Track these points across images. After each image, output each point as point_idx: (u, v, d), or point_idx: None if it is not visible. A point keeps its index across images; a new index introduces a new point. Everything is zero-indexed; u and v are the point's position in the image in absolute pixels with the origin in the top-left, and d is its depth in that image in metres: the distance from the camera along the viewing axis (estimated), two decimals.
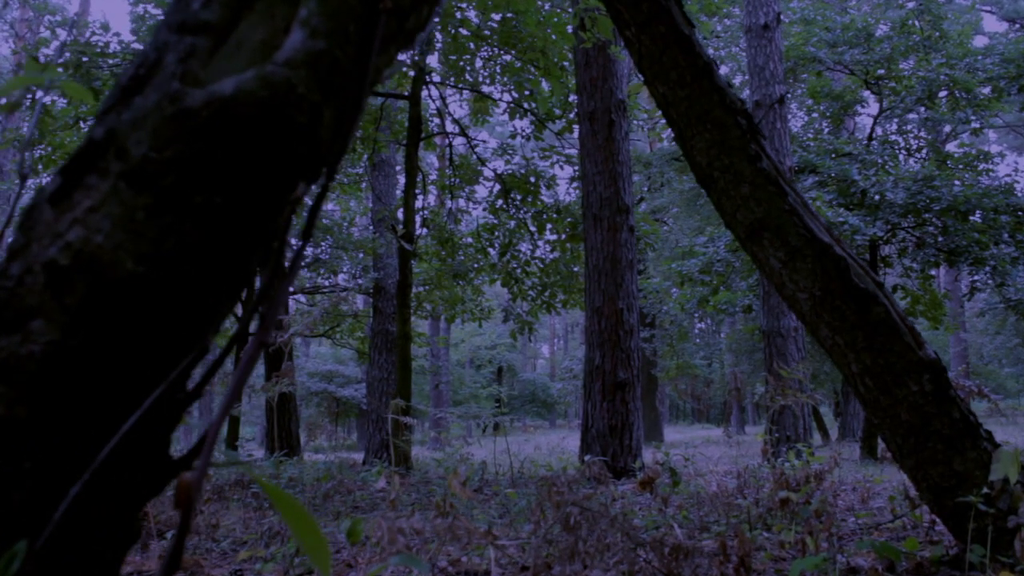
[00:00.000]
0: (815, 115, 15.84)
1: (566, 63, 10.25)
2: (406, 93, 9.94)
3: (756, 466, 4.91)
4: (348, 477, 6.34)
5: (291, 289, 16.92)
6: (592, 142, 8.01)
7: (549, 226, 11.77)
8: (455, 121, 11.79)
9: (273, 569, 2.64)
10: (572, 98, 10.60)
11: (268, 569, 2.62)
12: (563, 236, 11.50)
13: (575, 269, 11.67)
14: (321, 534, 0.78)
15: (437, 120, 12.20)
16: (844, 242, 2.40)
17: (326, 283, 17.91)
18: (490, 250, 12.48)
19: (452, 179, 11.98)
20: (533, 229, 11.68)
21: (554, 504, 1.98)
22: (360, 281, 16.08)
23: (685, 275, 16.56)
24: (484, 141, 12.04)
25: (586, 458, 3.99)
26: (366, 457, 13.69)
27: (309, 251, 17.26)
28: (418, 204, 13.62)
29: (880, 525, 3.28)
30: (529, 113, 10.89)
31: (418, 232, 12.97)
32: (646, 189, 24.70)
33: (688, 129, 2.55)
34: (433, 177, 13.23)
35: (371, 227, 15.76)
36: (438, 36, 10.07)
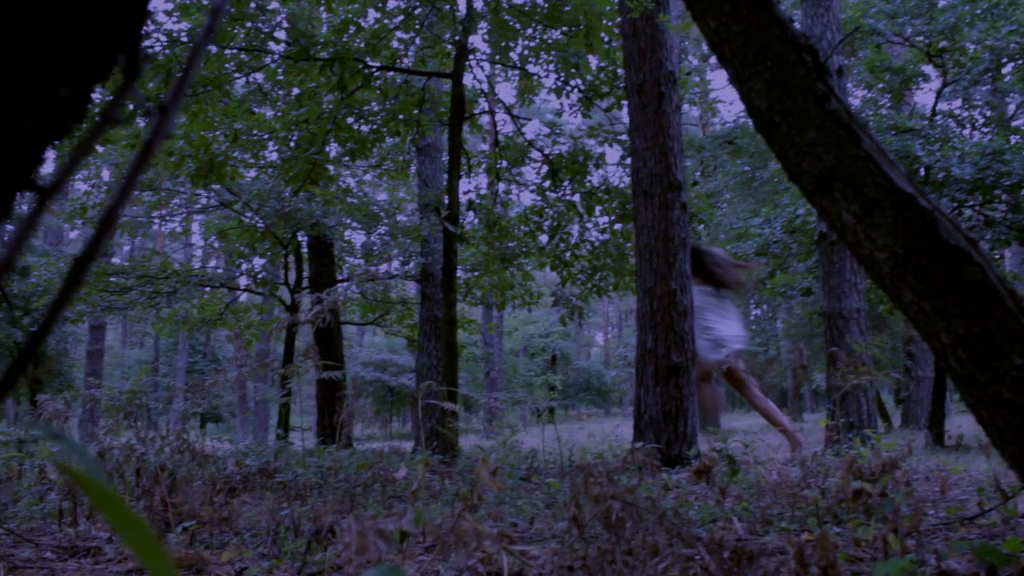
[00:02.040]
0: (873, 93, 15.24)
1: (611, 38, 9.91)
2: (448, 72, 9.66)
3: (819, 454, 4.56)
4: (392, 465, 6.12)
5: (340, 276, 16.82)
6: (641, 116, 7.66)
7: (599, 208, 11.44)
8: (499, 101, 11.50)
9: (286, 568, 2.39)
10: (620, 73, 10.24)
11: (278, 566, 2.37)
12: (612, 217, 11.16)
13: (627, 244, 11.31)
14: (156, 540, 0.59)
15: (483, 101, 11.91)
16: (928, 194, 2.07)
17: (380, 270, 17.78)
18: (539, 234, 12.18)
19: (498, 161, 11.69)
20: (582, 210, 11.35)
21: (591, 498, 1.68)
22: (410, 268, 15.90)
23: (741, 257, 16.09)
24: (529, 119, 11.75)
25: (633, 445, 3.70)
26: (416, 445, 13.54)
27: (360, 238, 17.15)
28: (464, 188, 13.38)
29: (965, 520, 2.93)
30: (576, 90, 10.56)
31: (465, 216, 12.72)
32: (699, 174, 24.21)
33: (744, 68, 2.23)
34: (479, 160, 12.94)
35: (418, 213, 15.58)
36: (480, 8, 9.78)
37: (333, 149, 12.63)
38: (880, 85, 14.29)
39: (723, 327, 8.44)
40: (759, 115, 2.25)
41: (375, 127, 10.75)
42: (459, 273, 15.36)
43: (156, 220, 18.34)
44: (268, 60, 9.78)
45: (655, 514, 1.68)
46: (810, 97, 2.14)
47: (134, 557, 2.58)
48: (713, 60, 29.22)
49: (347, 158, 11.39)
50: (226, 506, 3.71)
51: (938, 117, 13.08)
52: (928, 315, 1.93)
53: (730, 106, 68.31)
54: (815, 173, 2.10)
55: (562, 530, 1.79)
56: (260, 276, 16.65)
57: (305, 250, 16.31)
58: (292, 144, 10.69)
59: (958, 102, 14.22)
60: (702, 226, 15.92)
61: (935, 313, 1.91)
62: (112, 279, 14.50)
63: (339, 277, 16.83)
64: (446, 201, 9.24)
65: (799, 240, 14.99)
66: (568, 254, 11.84)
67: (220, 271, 17.50)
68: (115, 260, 23.14)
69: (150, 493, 3.58)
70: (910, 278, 1.95)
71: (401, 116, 10.57)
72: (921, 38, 12.73)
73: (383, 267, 17.80)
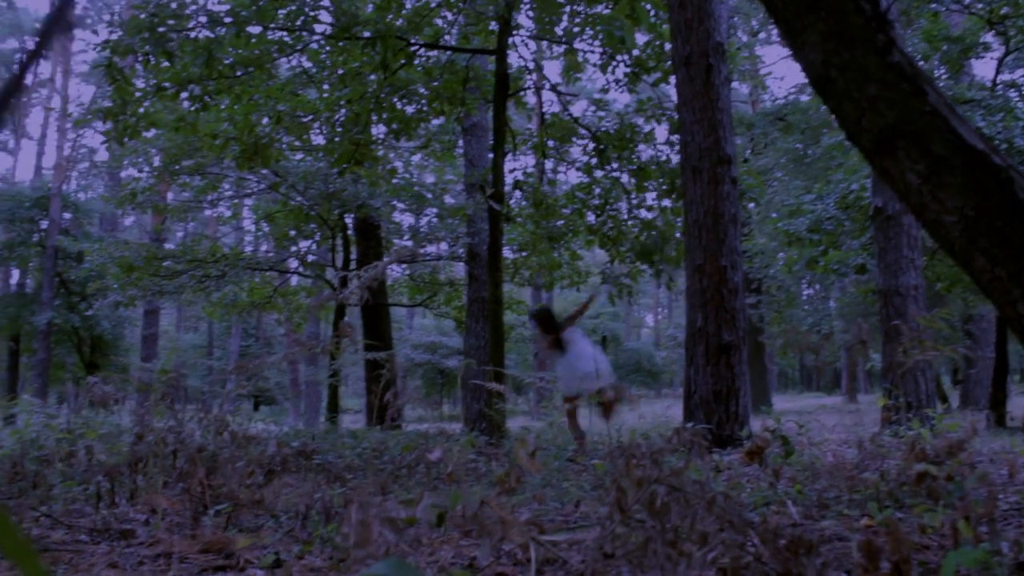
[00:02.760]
0: (930, 64, 14.76)
1: (657, 10, 9.69)
2: (492, 48, 9.52)
3: (876, 435, 4.36)
4: (437, 446, 6.02)
5: (388, 258, 16.81)
6: (689, 89, 7.45)
7: (647, 185, 11.24)
8: (544, 78, 11.32)
9: (316, 553, 2.31)
10: (667, 48, 10.01)
11: (309, 551, 2.28)
12: (659, 196, 10.95)
13: (677, 222, 11.10)
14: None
15: (529, 79, 11.74)
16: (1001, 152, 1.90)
17: (430, 252, 17.74)
18: (586, 212, 12.01)
19: (545, 138, 11.53)
20: (630, 187, 11.15)
21: (634, 481, 1.56)
22: (457, 248, 15.83)
23: (792, 235, 15.75)
24: (575, 95, 11.56)
25: (681, 425, 3.56)
26: (465, 427, 13.50)
27: (409, 220, 17.09)
28: (511, 167, 13.24)
29: None
30: (622, 65, 10.35)
31: (512, 196, 12.59)
32: (749, 152, 23.80)
33: (797, 20, 2.07)
34: (526, 138, 12.78)
35: (464, 193, 15.48)
36: None
37: (379, 131, 12.57)
38: (937, 56, 13.84)
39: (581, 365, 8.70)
40: (814, 70, 2.08)
41: (419, 107, 10.65)
42: (506, 253, 15.25)
43: (206, 205, 18.49)
44: (311, 40, 9.71)
45: (704, 498, 1.55)
46: (870, 49, 1.97)
47: (165, 541, 2.51)
48: (763, 35, 28.66)
49: (392, 139, 11.31)
50: (265, 488, 3.65)
51: (999, 87, 12.63)
52: (1003, 282, 1.76)
53: (780, 82, 67.18)
54: (876, 131, 1.93)
55: (604, 516, 1.68)
56: (308, 259, 16.71)
57: (352, 232, 16.32)
58: (337, 125, 10.64)
59: (1021, 71, 13.72)
60: (753, 204, 15.63)
61: (1011, 280, 1.74)
62: (164, 264, 14.63)
63: (386, 259, 16.82)
64: (491, 180, 9.11)
65: (853, 216, 14.63)
66: (615, 232, 11.65)
67: (272, 255, 17.57)
68: (168, 246, 23.41)
69: (189, 475, 3.53)
70: (982, 242, 1.78)
71: (445, 96, 10.45)
72: (981, 5, 12.28)
73: (431, 248, 17.73)
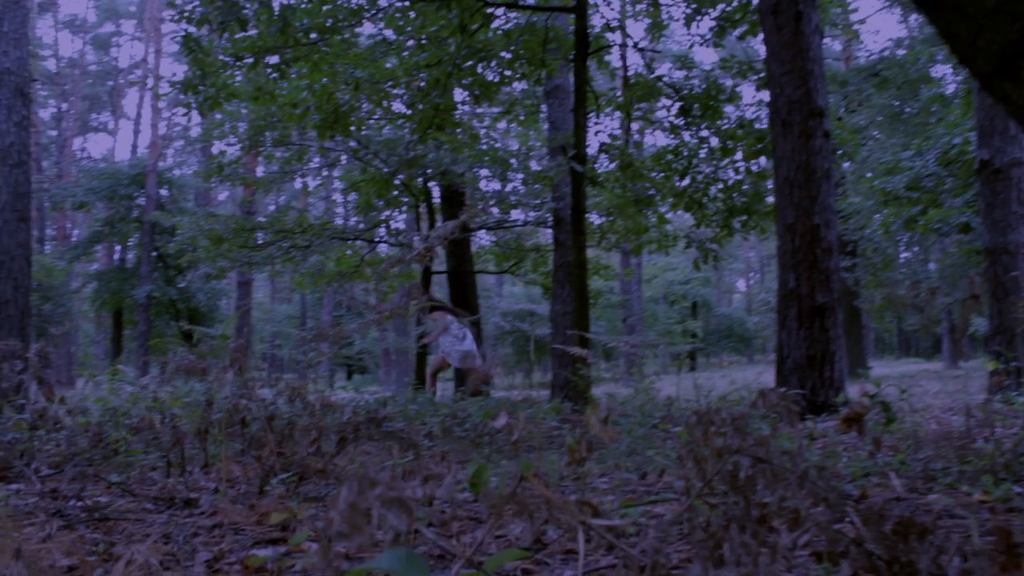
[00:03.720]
0: None
1: None
2: (571, 5, 9.24)
3: (986, 401, 4.04)
4: (503, 413, 5.88)
5: (474, 225, 16.75)
6: (777, 39, 7.07)
7: (734, 145, 10.83)
8: (628, 35, 10.99)
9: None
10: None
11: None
12: (745, 157, 10.55)
13: (768, 187, 10.69)
14: None
15: (612, 39, 11.42)
16: None
17: (516, 218, 17.61)
18: (673, 175, 11.67)
19: (630, 97, 11.20)
20: (716, 148, 10.77)
21: (714, 451, 1.37)
22: (542, 214, 15.64)
23: (889, 193, 15.13)
24: (659, 51, 11.19)
25: (768, 389, 3.33)
26: (553, 394, 13.38)
27: (494, 187, 16.97)
28: (596, 130, 12.95)
29: None
30: (707, 19, 9.96)
31: (598, 161, 12.32)
32: (843, 110, 22.94)
33: None
34: (609, 99, 12.45)
35: (548, 157, 15.26)
36: None
37: (460, 96, 12.42)
38: None
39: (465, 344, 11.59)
40: None
41: (499, 70, 10.45)
42: (593, 218, 15.01)
43: (296, 177, 18.66)
44: (385, 3, 9.59)
45: (795, 472, 1.35)
46: None
47: (224, 511, 2.42)
48: None
49: (474, 104, 11.16)
50: (338, 456, 3.56)
51: None
52: None
53: (875, 35, 64.71)
54: (994, 51, 1.68)
55: (680, 491, 1.49)
56: (393, 227, 16.74)
57: (438, 201, 16.26)
58: (416, 91, 10.53)
59: None
60: (847, 162, 15.00)
61: None
62: (253, 235, 14.81)
63: (472, 226, 16.74)
64: (574, 142, 8.89)
65: (955, 172, 13.95)
66: (701, 194, 11.30)
67: (362, 226, 17.66)
68: (259, 218, 23.80)
69: (260, 443, 3.46)
70: None
71: (525, 57, 10.22)
72: None
73: (517, 215, 17.57)
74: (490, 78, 10.48)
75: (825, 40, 15.70)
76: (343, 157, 15.95)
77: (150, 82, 32.95)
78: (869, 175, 18.33)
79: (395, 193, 15.47)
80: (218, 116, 14.55)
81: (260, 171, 21.10)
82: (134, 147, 43.61)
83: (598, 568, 1.55)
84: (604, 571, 1.52)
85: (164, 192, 31.03)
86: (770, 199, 10.89)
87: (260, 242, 14.66)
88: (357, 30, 11.58)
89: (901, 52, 20.20)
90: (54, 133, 49.14)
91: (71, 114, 47.84)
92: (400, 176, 13.92)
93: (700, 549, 1.10)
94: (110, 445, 4.14)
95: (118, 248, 35.46)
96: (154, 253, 28.63)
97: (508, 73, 10.66)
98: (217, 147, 19.61)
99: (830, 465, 2.91)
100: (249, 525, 2.26)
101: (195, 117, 33.32)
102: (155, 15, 34.58)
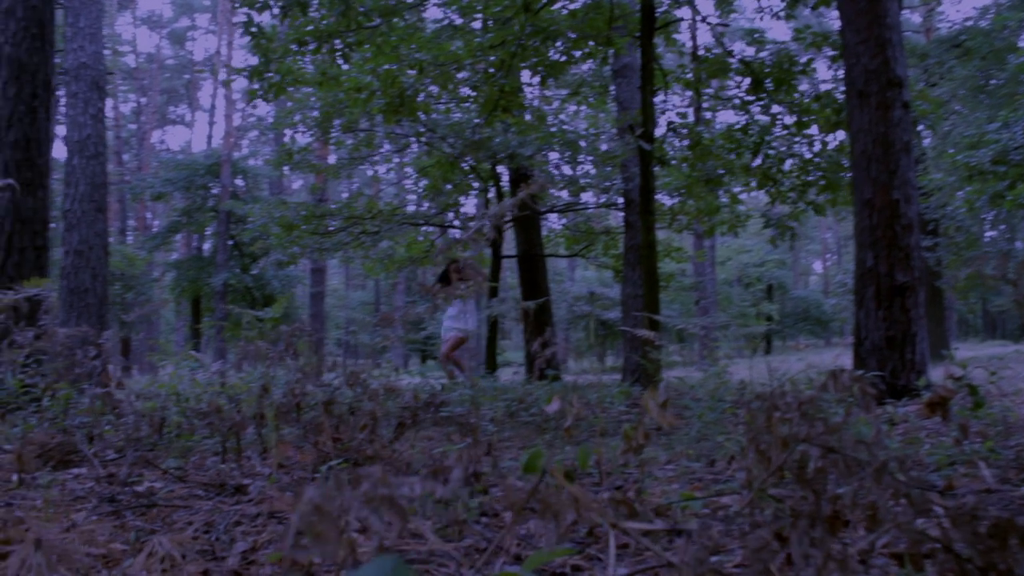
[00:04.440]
0: None
1: None
2: None
3: None
4: (556, 398, 5.74)
5: (541, 208, 16.61)
6: (852, 6, 6.77)
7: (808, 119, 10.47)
8: (696, 11, 10.70)
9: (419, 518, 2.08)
10: None
11: (415, 512, 2.06)
12: (824, 127, 10.18)
13: (845, 163, 10.32)
14: None
15: (680, 14, 11.15)
16: None
17: (588, 200, 17.43)
18: (744, 152, 11.35)
19: (699, 74, 10.90)
20: (789, 122, 10.43)
21: (778, 440, 1.22)
22: (615, 197, 15.43)
23: (974, 168, 14.55)
24: (727, 24, 10.87)
25: (840, 370, 3.13)
26: (623, 378, 13.21)
27: (564, 170, 16.81)
28: (663, 108, 12.68)
29: None
30: None
31: (666, 140, 12.07)
32: (922, 84, 22.16)
33: None
34: (677, 76, 12.16)
35: (617, 139, 15.02)
36: None
37: (527, 78, 12.27)
38: None
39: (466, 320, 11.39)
40: None
41: (565, 48, 10.27)
42: (663, 199, 14.75)
43: (365, 164, 18.74)
44: None
45: (872, 464, 1.20)
46: None
47: (272, 499, 2.34)
48: None
49: (540, 85, 11.00)
50: (397, 442, 3.48)
51: None
52: None
53: (958, 4, 62.52)
54: None
55: (741, 484, 1.35)
56: (463, 212, 16.69)
57: (506, 185, 16.16)
58: (480, 73, 10.41)
59: None
60: (928, 138, 14.45)
61: None
62: (323, 221, 14.90)
63: (541, 209, 16.61)
64: (641, 121, 8.68)
65: None
66: (775, 170, 10.96)
67: (434, 211, 17.66)
68: (332, 205, 24.01)
69: (318, 429, 3.40)
70: None
71: (591, 35, 10.02)
72: None
73: (587, 198, 17.38)
74: (555, 58, 10.30)
75: (904, 12, 15.17)
76: (413, 142, 15.94)
77: (222, 73, 33.48)
78: (951, 150, 17.66)
79: (464, 177, 15.41)
80: (289, 104, 14.66)
81: (332, 159, 21.24)
82: (209, 138, 44.49)
83: (652, 567, 1.42)
84: (658, 571, 1.39)
85: (239, 182, 31.58)
86: (848, 176, 10.52)
87: (331, 228, 14.75)
88: (423, 14, 11.52)
89: (985, 22, 19.39)
90: (134, 127, 50.39)
91: (149, 108, 48.97)
92: (468, 160, 13.85)
93: (754, 557, 0.96)
94: (171, 430, 4.14)
95: (196, 237, 36.24)
96: (230, 242, 29.16)
97: (574, 53, 10.47)
98: (289, 135, 19.80)
99: (912, 453, 2.72)
100: (292, 513, 2.18)
101: (269, 106, 33.80)
102: (227, 8, 35.12)
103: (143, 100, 50.51)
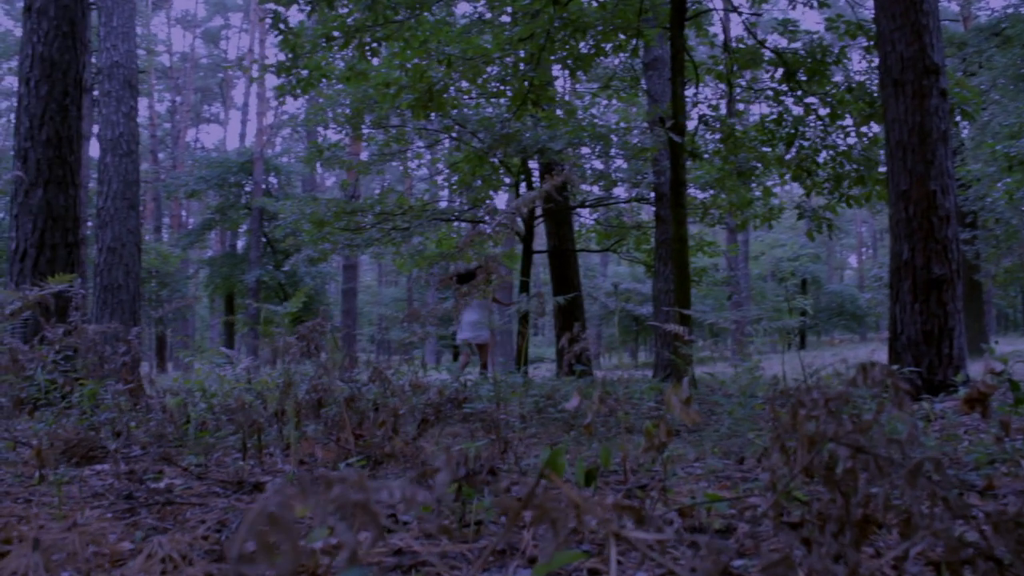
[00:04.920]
0: None
1: None
2: None
3: None
4: (575, 394, 5.66)
5: (572, 203, 16.50)
6: None
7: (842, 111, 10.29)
8: (729, 1, 10.55)
9: (438, 513, 2.02)
10: None
11: (428, 512, 2.00)
12: (857, 119, 9.99)
13: (881, 158, 10.13)
14: None
15: (711, 4, 10.99)
16: None
17: (618, 194, 17.31)
18: (778, 144, 11.18)
19: (731, 65, 10.74)
20: (823, 113, 10.25)
21: (804, 439, 1.15)
22: (642, 190, 15.29)
23: (1014, 158, 14.27)
24: (760, 14, 10.69)
25: (871, 364, 3.04)
26: (655, 373, 13.10)
27: (595, 165, 16.72)
28: (695, 100, 12.53)
29: None
30: None
31: (697, 133, 11.93)
32: (960, 73, 21.78)
33: None
34: (709, 67, 12.00)
35: (647, 133, 14.89)
36: None
37: (558, 72, 12.17)
38: None
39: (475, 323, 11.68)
40: None
41: (595, 40, 10.16)
42: (695, 193, 14.61)
43: (396, 161, 18.72)
44: None
45: (906, 465, 1.12)
46: None
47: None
48: None
49: (569, 78, 10.91)
50: (423, 438, 3.43)
51: None
52: None
53: None
54: None
55: (764, 486, 1.28)
56: (491, 206, 16.62)
57: (537, 180, 16.07)
58: (509, 66, 10.34)
59: None
60: (967, 129, 14.16)
61: None
62: (354, 218, 14.90)
63: (572, 204, 16.51)
64: (671, 112, 8.57)
65: None
66: (809, 162, 10.78)
67: (467, 208, 17.63)
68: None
69: (340, 426, 3.36)
70: None
71: (620, 27, 9.91)
72: None
73: (619, 192, 17.26)
74: (584, 51, 10.21)
75: (941, 1, 14.89)
76: (443, 138, 15.90)
77: (253, 70, 33.63)
78: (990, 140, 17.32)
79: (494, 172, 15.34)
80: (321, 101, 14.68)
81: (365, 155, 21.28)
82: (242, 136, 44.81)
83: (670, 572, 1.34)
84: None
85: (273, 179, 31.78)
86: (883, 168, 10.34)
87: (361, 225, 14.75)
88: (453, 9, 11.46)
89: None
90: (168, 126, 50.88)
91: (184, 107, 49.42)
92: (497, 154, 13.78)
93: (768, 573, 0.88)
94: (186, 426, 4.12)
95: (229, 234, 36.53)
96: (263, 239, 29.34)
97: (604, 45, 10.36)
98: (321, 133, 19.86)
99: (950, 451, 2.62)
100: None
101: (300, 103, 33.92)
102: (259, 7, 35.35)
103: (178, 99, 51.00)
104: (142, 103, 44.81)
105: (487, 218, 3.25)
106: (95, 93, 17.39)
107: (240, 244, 34.91)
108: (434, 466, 2.23)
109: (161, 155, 46.98)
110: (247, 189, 30.73)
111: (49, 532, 1.64)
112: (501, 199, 20.22)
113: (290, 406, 3.12)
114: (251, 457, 3.30)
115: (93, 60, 15.85)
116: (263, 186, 30.18)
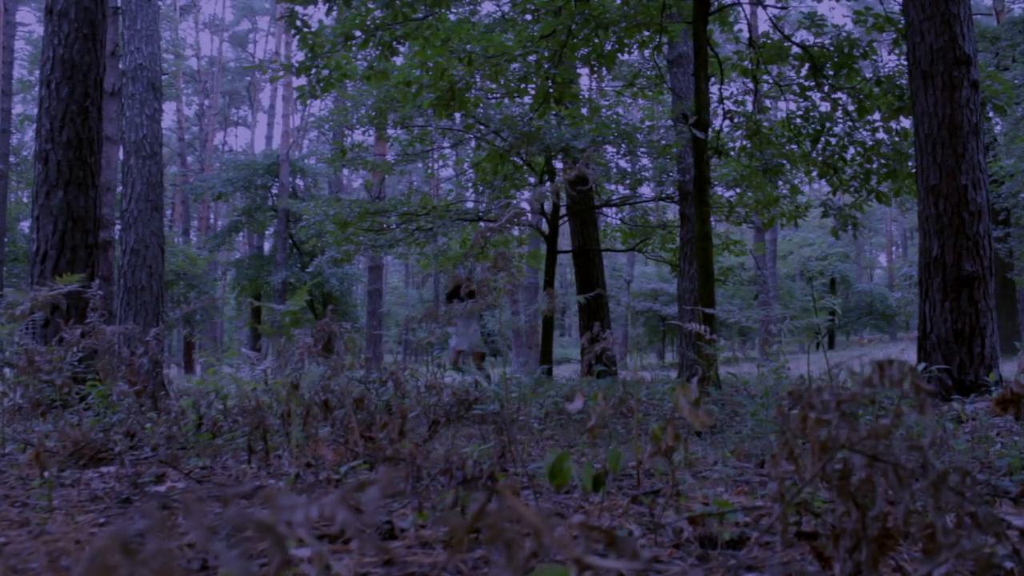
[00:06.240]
0: None
1: None
2: None
3: None
4: (579, 395, 5.56)
5: (597, 202, 16.37)
6: None
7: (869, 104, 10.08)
8: None
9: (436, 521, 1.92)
10: None
11: (424, 520, 1.91)
12: (885, 114, 9.79)
13: (910, 153, 9.93)
14: None
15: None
16: None
17: (643, 193, 17.16)
18: (804, 140, 10.99)
19: (757, 60, 10.57)
20: (851, 108, 10.06)
21: (816, 445, 1.04)
22: (666, 188, 15.13)
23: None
24: (785, 7, 10.51)
25: (890, 361, 2.92)
26: (679, 374, 12.96)
27: (618, 164, 16.57)
28: (720, 96, 12.37)
29: None
30: None
31: (723, 129, 11.77)
32: (992, 68, 21.42)
33: None
34: (734, 63, 11.83)
35: (672, 130, 14.73)
36: None
37: (581, 70, 12.04)
38: None
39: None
40: None
41: (618, 36, 10.04)
42: (720, 191, 14.44)
43: (419, 161, 18.67)
44: None
45: (928, 475, 1.01)
46: None
47: None
48: None
49: (593, 76, 10.79)
50: (431, 441, 3.34)
51: None
52: None
53: None
54: None
55: (771, 495, 1.17)
56: (504, 202, 16.53)
57: (560, 180, 15.95)
58: (532, 64, 10.23)
59: None
60: (999, 124, 13.91)
61: None
62: (377, 219, 14.86)
63: (596, 203, 16.38)
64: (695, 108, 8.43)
65: None
66: (836, 158, 10.58)
67: (493, 208, 17.55)
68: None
69: (348, 428, 3.28)
70: None
71: (643, 22, 9.78)
72: None
73: (644, 191, 17.10)
74: (607, 48, 10.09)
75: None
76: (467, 137, 15.83)
77: (273, 69, 33.78)
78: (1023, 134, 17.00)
79: (517, 171, 15.25)
80: (348, 104, 14.65)
81: (390, 156, 21.26)
82: (269, 139, 45.04)
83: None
84: None
85: (299, 181, 31.89)
86: (913, 164, 10.13)
87: (385, 226, 14.71)
88: (477, 7, 11.38)
89: None
90: (196, 129, 51.25)
91: (211, 110, 49.75)
92: (521, 153, 13.69)
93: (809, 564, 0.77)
94: (192, 428, 4.07)
95: (256, 236, 36.71)
96: (289, 240, 29.44)
97: (627, 42, 10.24)
98: (348, 134, 19.84)
99: (980, 455, 2.49)
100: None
101: (325, 104, 33.99)
102: (279, 4, 35.54)
103: (206, 102, 51.35)
104: (171, 107, 45.19)
105: (497, 214, 3.16)
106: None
107: (267, 246, 35.06)
108: (434, 470, 2.13)
109: (190, 158, 47.31)
110: (273, 191, 30.86)
111: (16, 541, 1.57)
112: (525, 199, 20.14)
113: (296, 407, 3.04)
114: (256, 460, 3.23)
115: (120, 66, 15.93)
116: (289, 188, 30.28)
